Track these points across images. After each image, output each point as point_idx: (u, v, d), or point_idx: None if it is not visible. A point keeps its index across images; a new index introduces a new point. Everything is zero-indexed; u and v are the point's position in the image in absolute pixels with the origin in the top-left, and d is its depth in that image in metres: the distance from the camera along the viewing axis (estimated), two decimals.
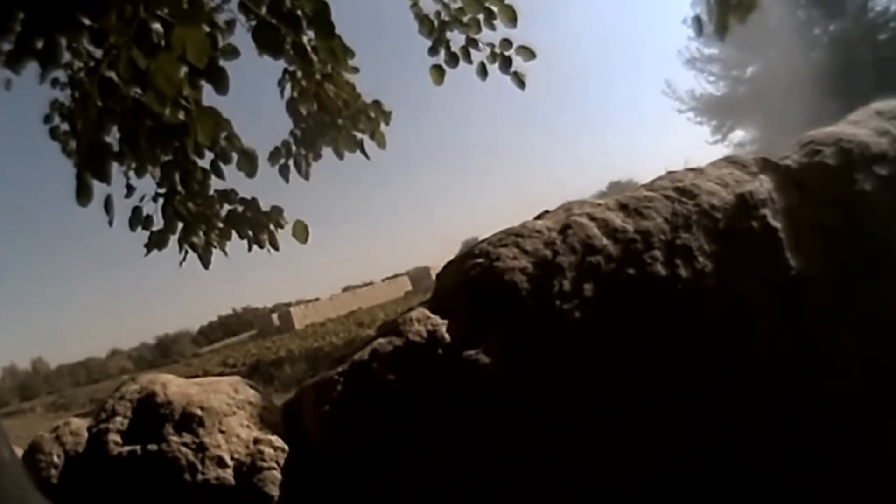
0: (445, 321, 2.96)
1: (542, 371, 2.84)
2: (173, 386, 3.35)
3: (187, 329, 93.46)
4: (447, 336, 2.90)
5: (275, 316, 71.81)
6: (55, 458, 3.39)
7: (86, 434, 3.38)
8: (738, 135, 43.27)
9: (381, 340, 2.99)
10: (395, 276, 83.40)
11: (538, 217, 3.30)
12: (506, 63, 5.70)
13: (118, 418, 3.28)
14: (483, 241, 3.19)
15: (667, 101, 44.68)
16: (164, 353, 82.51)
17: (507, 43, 5.67)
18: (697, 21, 6.08)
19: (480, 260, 3.04)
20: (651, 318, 2.95)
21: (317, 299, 75.68)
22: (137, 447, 3.13)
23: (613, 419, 2.88)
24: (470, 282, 3.01)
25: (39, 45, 2.98)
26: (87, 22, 3.06)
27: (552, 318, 2.87)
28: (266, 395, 3.50)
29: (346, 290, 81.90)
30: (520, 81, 5.75)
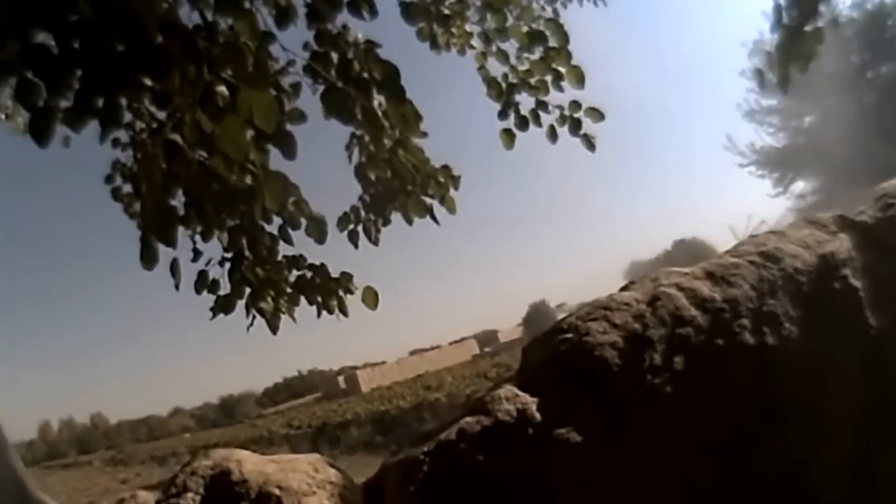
0: (535, 399, 2.84)
1: (632, 449, 2.72)
2: (249, 463, 3.26)
3: (251, 390, 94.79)
4: (538, 415, 2.78)
5: (341, 378, 72.11)
6: None
7: None
8: (799, 185, 43.28)
9: (469, 419, 2.87)
10: (463, 339, 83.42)
11: (625, 288, 3.20)
12: (575, 125, 5.59)
13: (189, 494, 3.20)
14: (571, 315, 3.11)
15: (728, 156, 44.54)
16: (227, 413, 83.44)
17: (576, 105, 5.57)
18: (759, 74, 5.97)
19: (570, 335, 2.93)
20: (741, 389, 2.82)
21: (383, 362, 76.03)
22: None
23: (701, 499, 2.72)
24: (559, 358, 2.90)
25: (99, 103, 2.95)
26: (148, 83, 3.03)
27: (643, 393, 2.76)
28: (346, 475, 3.38)
29: (413, 353, 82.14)
30: (590, 143, 5.66)
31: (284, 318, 5.21)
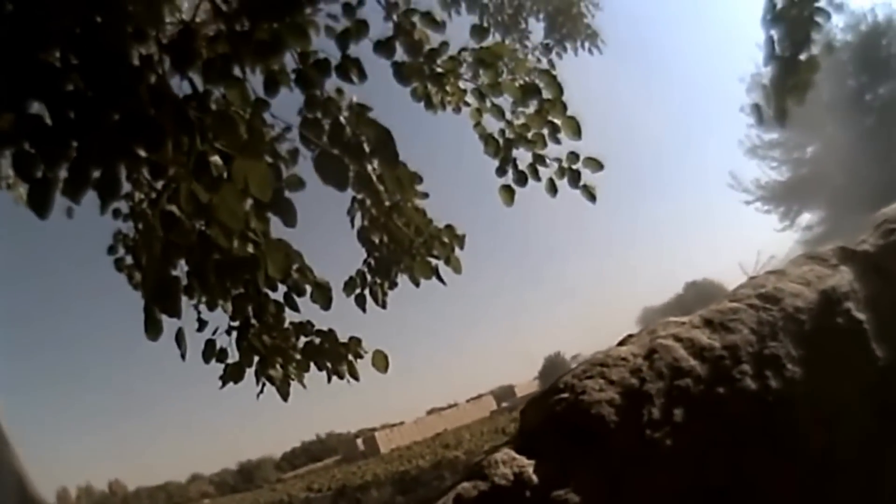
0: (532, 461, 2.79)
1: None
2: None
3: (270, 455, 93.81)
4: (534, 477, 2.73)
5: (359, 441, 71.45)
6: None
7: None
8: (806, 217, 43.21)
9: (466, 485, 2.82)
10: (480, 395, 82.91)
11: (622, 342, 3.17)
12: (575, 177, 5.60)
13: None
14: (567, 373, 3.06)
15: (733, 194, 44.57)
16: (246, 478, 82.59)
17: (574, 156, 5.59)
18: (757, 109, 5.99)
19: (565, 395, 2.89)
20: (744, 435, 2.78)
21: (402, 423, 75.38)
22: None
23: None
24: (556, 418, 2.86)
25: (97, 174, 2.97)
26: (143, 154, 3.06)
27: (643, 447, 2.71)
28: None
29: (430, 412, 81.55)
30: (590, 195, 5.67)
31: (296, 383, 5.19)
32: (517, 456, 2.84)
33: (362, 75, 3.91)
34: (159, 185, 3.83)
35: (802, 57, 6.13)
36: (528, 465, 2.77)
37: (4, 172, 6.38)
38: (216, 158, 3.18)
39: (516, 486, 2.72)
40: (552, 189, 5.75)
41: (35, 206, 2.90)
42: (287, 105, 4.16)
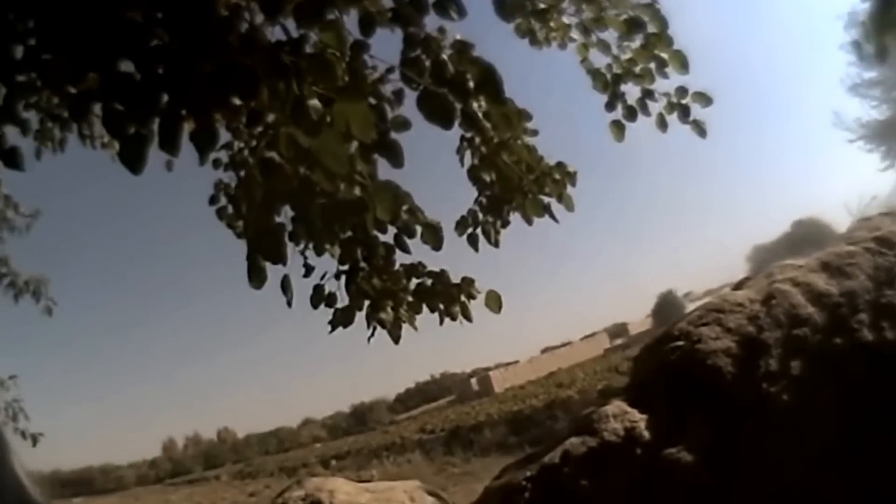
0: (644, 416, 2.71)
1: (748, 467, 2.55)
2: (342, 493, 3.20)
3: (383, 397, 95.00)
4: (646, 434, 2.65)
5: (473, 381, 71.80)
6: None
7: None
8: None
9: (574, 440, 2.74)
10: (593, 333, 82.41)
11: (738, 285, 3.01)
12: (684, 112, 5.42)
13: None
14: (683, 319, 2.95)
15: (837, 133, 42.99)
16: (359, 420, 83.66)
17: (682, 91, 5.41)
18: (857, 46, 5.68)
19: (680, 343, 2.80)
20: (858, 390, 2.62)
21: (516, 362, 75.48)
22: None
23: None
24: (669, 368, 2.76)
25: (192, 126, 2.95)
26: (238, 102, 3.01)
27: (758, 403, 2.59)
28: (447, 500, 3.28)
29: (544, 351, 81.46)
30: (700, 129, 5.47)
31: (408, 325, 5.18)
32: (629, 409, 2.74)
33: (461, 12, 3.77)
34: (257, 132, 3.80)
35: None
36: (639, 420, 2.67)
37: (98, 132, 6.48)
38: (315, 102, 3.12)
39: (626, 442, 2.62)
40: (662, 124, 5.56)
41: (128, 162, 2.89)
42: (391, 45, 4.08)
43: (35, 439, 10.20)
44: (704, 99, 5.35)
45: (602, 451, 2.64)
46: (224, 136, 4.39)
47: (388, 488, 3.27)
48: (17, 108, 3.38)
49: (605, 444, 2.65)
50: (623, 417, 2.70)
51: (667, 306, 62.89)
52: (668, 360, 2.79)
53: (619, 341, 74.39)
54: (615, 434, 2.66)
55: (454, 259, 5.23)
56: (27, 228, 10.09)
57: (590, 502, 2.59)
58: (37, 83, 3.49)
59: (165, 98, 2.85)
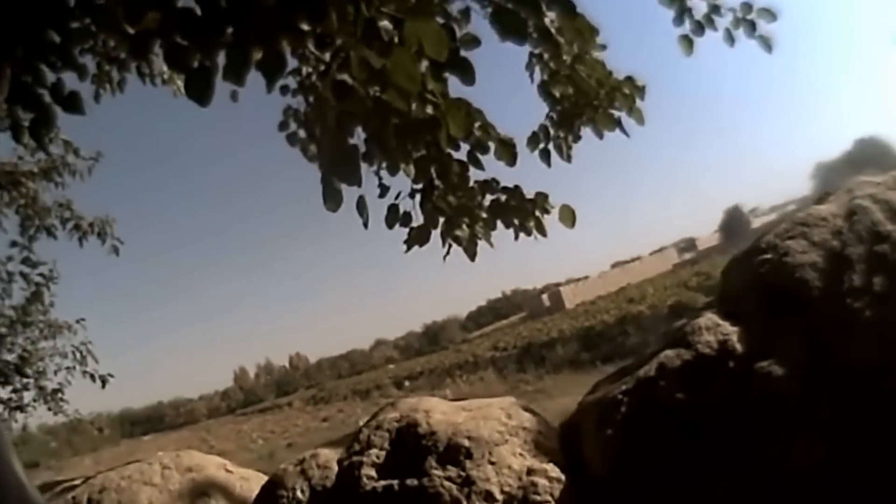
0: (736, 328, 2.72)
1: (836, 381, 2.53)
2: (437, 413, 3.21)
3: (455, 315, 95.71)
4: (738, 346, 2.65)
5: (545, 296, 71.97)
6: (299, 494, 3.32)
7: (335, 467, 3.30)
8: None
9: (669, 353, 2.73)
10: (662, 248, 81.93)
11: (820, 200, 2.94)
12: (750, 27, 5.52)
13: (374, 450, 3.18)
14: (770, 232, 2.95)
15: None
16: (431, 340, 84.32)
17: (747, 6, 5.51)
18: None
19: (769, 255, 2.80)
20: None
21: (586, 277, 75.50)
22: (395, 482, 3.03)
23: None
24: (760, 281, 2.75)
25: (258, 55, 2.95)
26: (306, 27, 3.00)
27: (844, 318, 2.57)
28: (542, 418, 3.28)
29: (614, 266, 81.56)
30: (767, 45, 5.50)
31: (482, 242, 5.19)
32: (721, 322, 2.72)
33: None
34: (327, 56, 3.78)
35: None
36: (731, 333, 2.65)
37: (158, 69, 6.51)
38: (385, 23, 3.12)
39: (720, 355, 2.60)
40: (729, 39, 5.62)
41: (195, 95, 2.91)
42: None
43: (104, 381, 10.49)
44: (769, 15, 5.47)
45: (697, 364, 2.63)
46: (290, 63, 4.39)
47: (484, 405, 3.28)
48: (74, 54, 3.40)
49: (700, 357, 2.64)
50: (716, 330, 2.69)
51: (733, 222, 64.06)
52: (757, 273, 2.76)
53: (687, 256, 74.29)
54: (709, 347, 2.64)
55: (523, 176, 5.22)
56: (89, 172, 10.26)
57: (686, 415, 2.59)
58: (91, 28, 3.53)
59: (230, 29, 2.86)
